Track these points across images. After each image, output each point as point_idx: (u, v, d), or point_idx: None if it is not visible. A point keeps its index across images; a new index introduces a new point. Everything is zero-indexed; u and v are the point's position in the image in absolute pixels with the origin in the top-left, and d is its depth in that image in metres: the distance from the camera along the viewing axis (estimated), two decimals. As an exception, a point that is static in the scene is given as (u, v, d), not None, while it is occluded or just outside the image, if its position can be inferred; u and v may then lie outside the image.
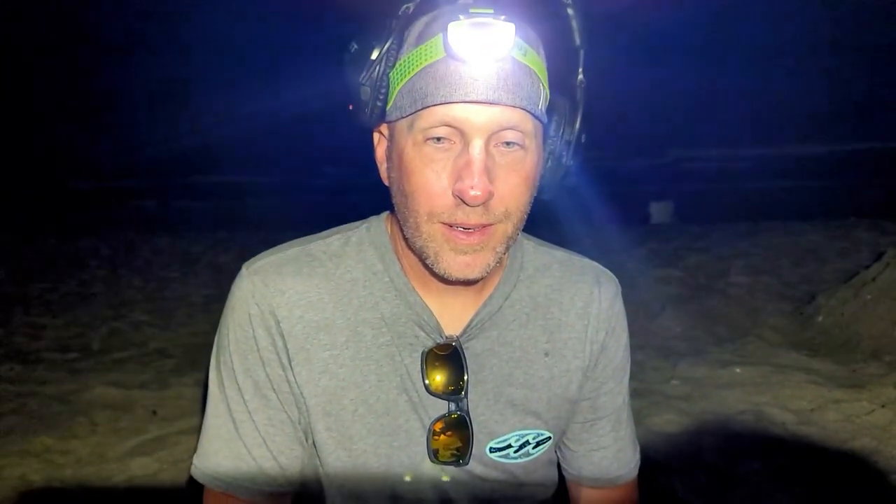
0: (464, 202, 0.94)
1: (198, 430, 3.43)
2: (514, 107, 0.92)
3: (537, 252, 1.24)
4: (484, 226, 0.97)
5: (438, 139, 0.94)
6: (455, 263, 0.99)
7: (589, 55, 1.04)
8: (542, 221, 1.25)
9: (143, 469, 2.98)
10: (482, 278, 1.03)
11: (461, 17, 0.89)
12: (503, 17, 0.89)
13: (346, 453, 1.11)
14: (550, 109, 1.03)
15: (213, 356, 1.14)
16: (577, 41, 1.03)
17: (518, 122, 0.93)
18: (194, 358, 4.30)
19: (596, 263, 1.28)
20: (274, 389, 1.09)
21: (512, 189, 0.96)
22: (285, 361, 1.09)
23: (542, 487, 1.27)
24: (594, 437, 1.27)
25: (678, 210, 9.43)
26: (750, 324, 4.42)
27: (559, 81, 1.04)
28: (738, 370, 3.63)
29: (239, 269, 1.14)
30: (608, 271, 1.28)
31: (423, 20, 0.98)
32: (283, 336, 1.08)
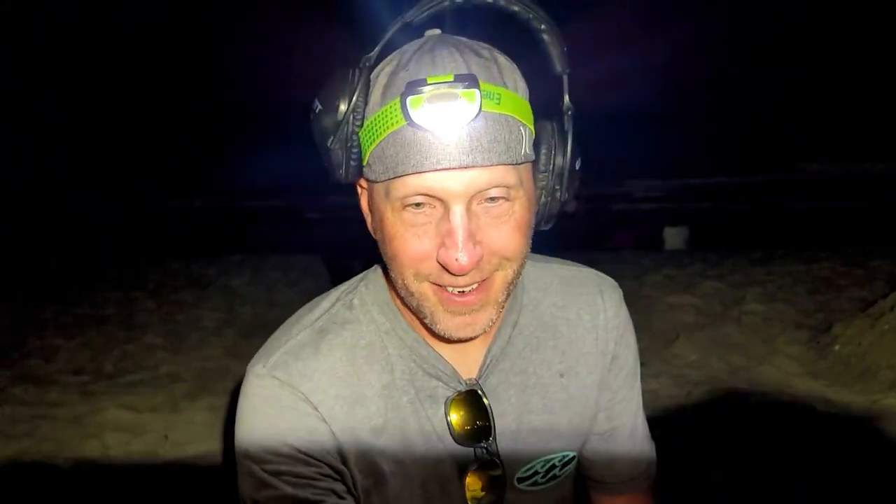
0: (450, 271, 0.90)
1: (209, 455, 3.44)
2: (491, 165, 0.86)
3: (535, 270, 1.19)
4: (479, 283, 0.93)
5: (417, 205, 0.89)
6: (453, 325, 0.95)
7: (573, 79, 0.98)
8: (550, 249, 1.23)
9: (154, 494, 2.98)
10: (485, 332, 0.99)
11: (419, 90, 0.83)
12: (465, 84, 0.83)
13: None
14: (538, 142, 0.96)
15: (243, 473, 1.05)
16: (559, 67, 0.97)
17: (499, 179, 0.88)
18: (206, 382, 4.30)
19: (595, 271, 1.25)
20: (318, 483, 1.03)
21: (505, 240, 0.91)
22: (330, 446, 1.03)
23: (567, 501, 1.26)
24: (613, 446, 1.25)
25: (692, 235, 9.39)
26: (766, 352, 4.37)
27: (545, 109, 0.98)
28: (753, 399, 3.59)
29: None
30: (608, 278, 1.24)
31: (386, 70, 0.91)
32: (325, 421, 1.03)
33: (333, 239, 8.54)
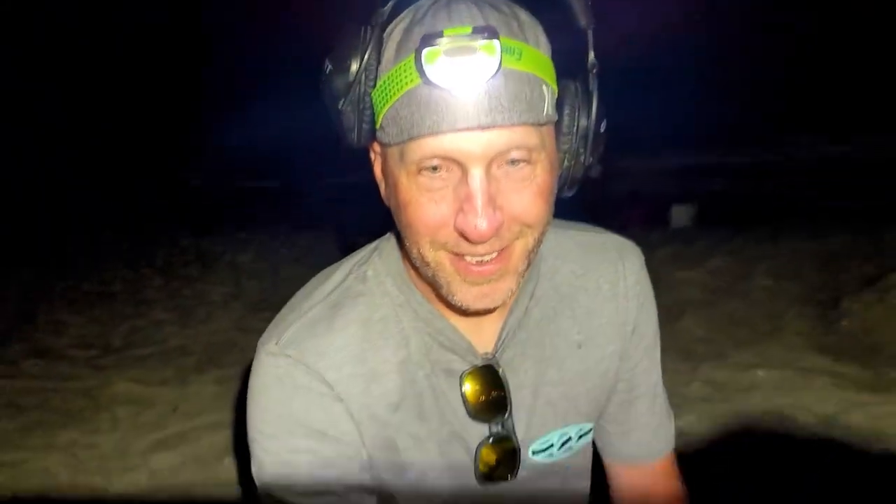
0: (468, 239, 0.85)
1: (217, 426, 3.45)
2: (512, 125, 0.81)
3: (553, 236, 1.13)
4: (499, 251, 0.88)
5: (434, 168, 0.84)
6: (470, 296, 0.91)
7: (598, 34, 0.91)
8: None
9: (165, 463, 3.01)
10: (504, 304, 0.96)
11: (435, 42, 0.77)
12: (485, 36, 0.77)
13: (404, 484, 1.08)
14: (561, 102, 0.90)
15: (257, 452, 1.03)
16: (583, 21, 0.89)
17: (520, 140, 0.82)
18: (214, 356, 4.32)
19: (615, 235, 1.20)
20: (335, 461, 1.02)
21: (525, 206, 0.86)
22: (346, 425, 1.01)
23: (583, 478, 1.24)
24: (632, 417, 1.23)
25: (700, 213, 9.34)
26: (773, 327, 4.37)
27: (569, 66, 0.91)
28: (760, 373, 3.59)
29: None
30: (629, 242, 1.20)
31: (400, 27, 0.86)
32: (341, 400, 1.00)
33: (328, 219, 8.54)
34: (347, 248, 1.17)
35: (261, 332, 1.06)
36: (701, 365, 3.76)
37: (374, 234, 1.14)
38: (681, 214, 9.38)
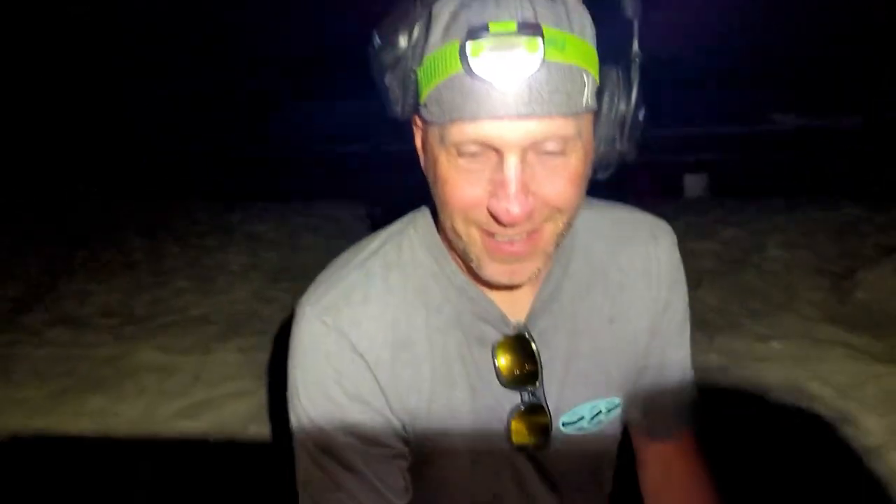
0: (499, 222, 0.89)
1: (241, 394, 3.50)
2: (551, 116, 0.83)
3: (586, 214, 1.14)
4: (528, 233, 0.92)
5: (472, 154, 0.87)
6: (498, 272, 0.96)
7: (644, 24, 0.92)
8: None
9: (191, 430, 3.09)
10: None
11: (480, 35, 0.79)
12: (529, 33, 0.79)
13: (434, 451, 1.12)
14: (601, 90, 0.91)
15: (293, 409, 1.09)
16: (629, 11, 0.90)
17: (557, 130, 0.84)
18: (235, 325, 4.39)
19: (647, 214, 1.22)
20: (365, 427, 1.06)
21: (558, 192, 0.89)
22: (376, 393, 1.06)
23: (612, 452, 1.28)
24: (660, 393, 1.26)
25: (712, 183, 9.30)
26: (787, 298, 4.39)
27: (611, 54, 0.92)
28: (775, 344, 3.62)
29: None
30: (662, 221, 1.22)
31: (447, 8, 0.85)
32: (371, 369, 1.05)
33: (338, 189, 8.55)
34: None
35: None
36: (717, 335, 3.79)
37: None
38: (694, 184, 9.34)
